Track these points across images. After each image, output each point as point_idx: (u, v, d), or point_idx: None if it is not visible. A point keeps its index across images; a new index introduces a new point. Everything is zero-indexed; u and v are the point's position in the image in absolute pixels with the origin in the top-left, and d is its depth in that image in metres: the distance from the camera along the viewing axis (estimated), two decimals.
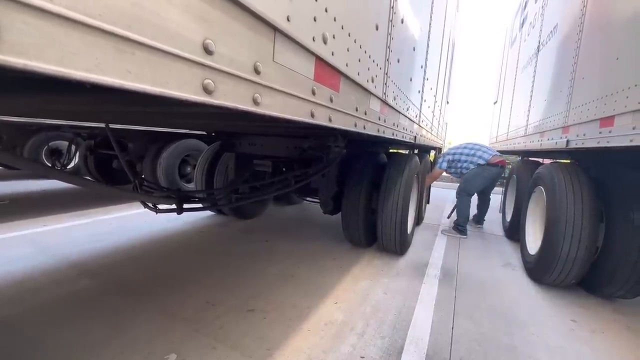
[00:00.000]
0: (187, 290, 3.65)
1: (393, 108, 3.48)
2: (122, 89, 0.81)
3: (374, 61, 2.67)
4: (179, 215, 3.70)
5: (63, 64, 0.69)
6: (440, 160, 7.48)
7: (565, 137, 4.20)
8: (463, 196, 6.67)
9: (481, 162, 6.62)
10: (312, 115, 1.78)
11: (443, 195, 12.19)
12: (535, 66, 6.52)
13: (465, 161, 6.83)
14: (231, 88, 1.17)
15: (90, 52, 0.73)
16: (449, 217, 7.96)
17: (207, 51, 1.04)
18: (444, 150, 7.74)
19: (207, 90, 1.06)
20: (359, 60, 2.34)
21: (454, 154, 7.14)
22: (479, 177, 6.64)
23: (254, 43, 1.26)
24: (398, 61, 3.38)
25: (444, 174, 7.69)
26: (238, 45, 1.18)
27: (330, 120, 2.02)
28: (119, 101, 1.90)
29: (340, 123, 2.18)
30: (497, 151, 7.18)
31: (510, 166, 8.95)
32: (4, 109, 3.71)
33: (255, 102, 1.30)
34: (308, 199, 6.79)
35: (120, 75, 0.80)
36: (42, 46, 0.66)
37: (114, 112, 2.86)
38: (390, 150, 6.58)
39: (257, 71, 1.28)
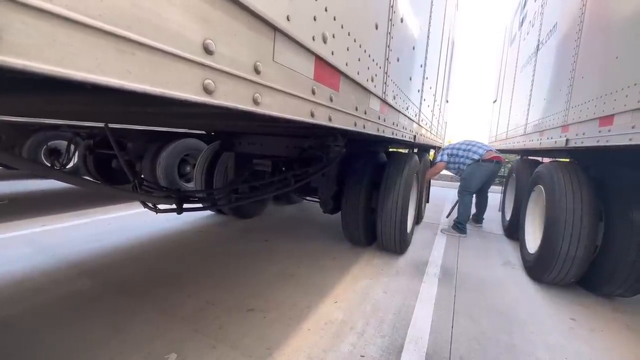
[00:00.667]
0: (186, 290, 3.64)
1: (393, 107, 3.48)
2: (123, 90, 0.81)
3: (373, 60, 2.66)
4: (178, 215, 3.69)
5: (63, 64, 0.69)
6: (439, 154, 7.59)
7: (565, 136, 4.20)
8: (464, 195, 6.73)
9: (476, 157, 6.69)
10: (312, 115, 1.78)
11: (443, 194, 12.20)
12: (535, 65, 6.52)
13: (462, 156, 6.92)
14: (231, 88, 1.17)
15: (91, 52, 0.73)
16: (448, 217, 7.98)
17: (208, 51, 1.04)
18: (447, 148, 7.76)
19: (207, 91, 1.06)
20: (359, 60, 2.34)
21: (452, 148, 7.28)
22: (476, 173, 6.69)
23: (254, 43, 1.25)
24: (398, 60, 3.38)
25: (444, 172, 7.73)
26: (238, 45, 1.17)
27: (330, 119, 2.01)
28: (119, 101, 1.89)
29: (340, 122, 2.18)
30: (497, 150, 7.22)
31: (510, 165, 8.96)
32: (3, 109, 3.70)
33: (256, 102, 1.30)
34: (308, 198, 6.77)
35: (121, 75, 0.79)
36: (42, 47, 0.66)
37: (114, 112, 2.86)
38: (390, 150, 6.57)
39: (257, 71, 1.28)
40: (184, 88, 0.98)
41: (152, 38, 0.85)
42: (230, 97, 1.17)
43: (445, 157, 7.28)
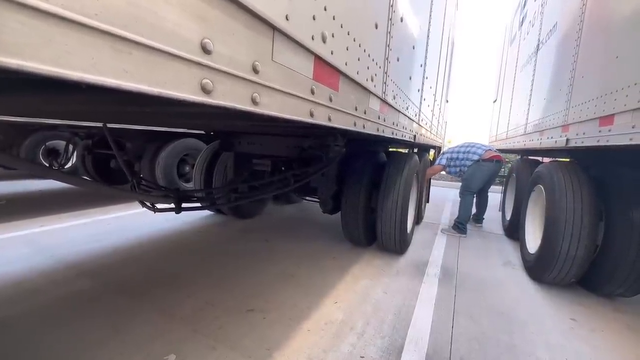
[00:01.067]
0: (186, 290, 3.64)
1: (392, 107, 3.47)
2: (119, 89, 0.80)
3: (373, 60, 2.65)
4: (177, 215, 3.69)
5: (59, 64, 0.68)
6: (439, 157, 7.64)
7: (565, 136, 4.19)
8: (466, 195, 6.76)
9: (475, 157, 6.73)
10: (312, 115, 1.77)
11: (443, 194, 12.20)
12: (535, 65, 6.52)
13: (463, 158, 6.96)
14: (230, 88, 1.16)
15: (87, 52, 0.72)
16: (456, 218, 7.98)
17: (205, 50, 1.03)
18: (444, 149, 7.79)
19: (205, 90, 1.05)
20: (359, 59, 2.33)
21: (452, 152, 7.33)
22: (477, 173, 6.72)
23: (253, 42, 1.25)
24: (398, 60, 3.37)
25: (443, 173, 7.75)
26: (236, 44, 1.17)
27: (329, 119, 2.01)
28: (117, 101, 1.89)
29: (339, 122, 2.17)
30: (497, 149, 7.23)
31: (510, 164, 8.97)
32: (0, 109, 3.69)
33: (254, 102, 1.29)
34: (307, 198, 6.77)
35: (117, 75, 0.79)
36: (38, 46, 0.65)
37: (112, 111, 2.85)
38: (390, 149, 6.57)
39: (255, 70, 1.27)
40: (181, 88, 0.97)
41: (149, 37, 0.85)
42: (229, 96, 1.16)
43: (444, 161, 7.34)
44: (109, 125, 5.24)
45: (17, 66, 0.62)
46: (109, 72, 0.77)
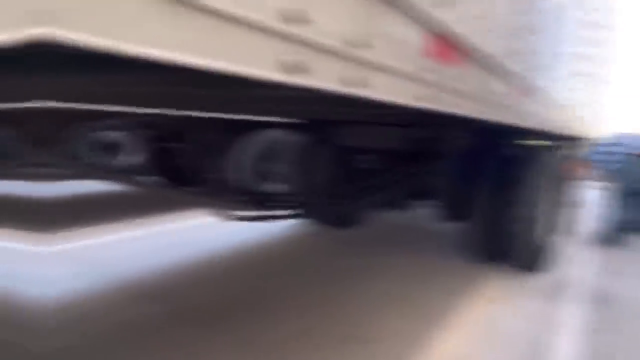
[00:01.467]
0: (271, 316, 3.60)
1: (529, 90, 3.31)
2: (181, 67, 0.74)
3: (504, 33, 2.52)
4: (260, 224, 3.67)
5: (106, 34, 0.62)
6: (589, 153, 7.38)
7: None
8: (619, 198, 6.42)
9: (632, 152, 6.46)
10: (426, 99, 1.69)
11: (591, 197, 11.55)
12: None
13: (615, 153, 6.69)
14: (325, 65, 1.10)
15: (138, 19, 0.67)
16: (606, 227, 7.55)
17: (294, 20, 0.97)
18: (594, 142, 7.44)
19: (293, 68, 0.99)
20: (486, 32, 2.22)
21: (603, 145, 7.10)
22: (632, 171, 6.40)
23: (354, 10, 1.18)
24: (535, 33, 3.20)
25: (594, 172, 7.38)
26: (334, 12, 1.12)
27: (448, 104, 1.92)
28: (181, 82, 1.85)
29: (462, 108, 2.07)
30: None
31: None
32: (38, 93, 3.85)
33: (356, 83, 1.24)
34: (421, 202, 6.65)
35: (179, 48, 0.73)
36: (76, 13, 0.60)
37: (178, 95, 2.86)
38: (527, 142, 6.29)
39: (358, 45, 1.21)
40: (262, 64, 0.91)
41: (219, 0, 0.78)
42: (324, 76, 1.11)
43: (593, 157, 7.05)
44: (177, 113, 5.30)
45: (53, 38, 0.56)
46: (167, 44, 0.71)
